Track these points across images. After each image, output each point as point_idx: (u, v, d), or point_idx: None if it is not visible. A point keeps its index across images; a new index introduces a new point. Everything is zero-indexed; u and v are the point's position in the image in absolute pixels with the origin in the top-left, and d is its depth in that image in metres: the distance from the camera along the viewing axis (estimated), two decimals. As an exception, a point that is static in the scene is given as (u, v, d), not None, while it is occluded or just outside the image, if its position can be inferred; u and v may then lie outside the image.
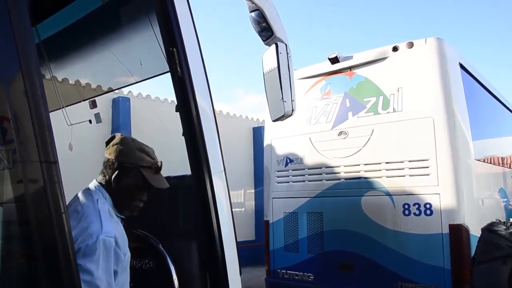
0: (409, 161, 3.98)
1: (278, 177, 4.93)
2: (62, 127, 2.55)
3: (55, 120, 1.68)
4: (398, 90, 4.13)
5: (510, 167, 5.89)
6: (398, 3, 31.16)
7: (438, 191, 3.79)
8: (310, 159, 4.63)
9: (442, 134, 3.82)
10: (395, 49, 4.22)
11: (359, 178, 4.25)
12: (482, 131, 4.87)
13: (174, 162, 2.03)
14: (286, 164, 4.84)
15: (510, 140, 6.26)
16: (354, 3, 32.01)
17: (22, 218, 1.28)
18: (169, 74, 1.77)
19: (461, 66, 4.23)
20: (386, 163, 4.11)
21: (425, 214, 3.83)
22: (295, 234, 4.69)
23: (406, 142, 4.01)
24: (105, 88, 3.24)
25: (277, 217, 4.86)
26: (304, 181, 4.68)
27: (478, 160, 4.35)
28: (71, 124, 2.66)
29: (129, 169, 1.73)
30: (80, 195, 1.71)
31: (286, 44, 1.92)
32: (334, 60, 4.55)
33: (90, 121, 2.73)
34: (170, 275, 1.94)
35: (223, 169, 1.81)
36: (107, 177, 1.74)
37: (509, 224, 3.11)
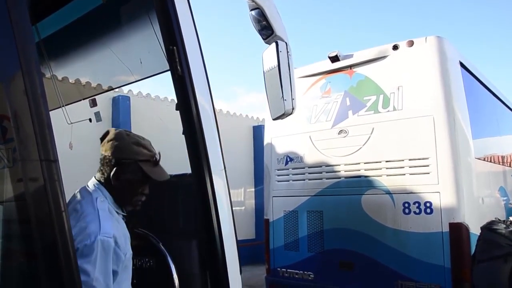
0: (409, 160, 3.97)
1: (278, 175, 4.92)
2: (62, 126, 2.55)
3: (55, 119, 1.68)
4: (398, 88, 4.12)
5: (510, 166, 5.88)
6: (399, 2, 31.14)
7: (438, 189, 3.79)
8: (310, 157, 4.62)
9: (442, 133, 3.81)
10: (395, 47, 4.21)
11: (359, 176, 4.25)
12: (482, 129, 4.87)
13: (174, 160, 2.03)
14: (286, 163, 4.84)
15: (510, 139, 6.25)
16: (354, 2, 31.99)
17: (23, 217, 1.28)
18: (169, 72, 1.77)
19: (461, 64, 4.23)
20: (386, 161, 4.10)
21: (425, 212, 3.83)
22: (295, 232, 4.69)
23: (406, 141, 4.01)
24: (105, 87, 3.24)
25: (277, 215, 4.86)
26: (304, 180, 4.68)
27: (478, 159, 4.35)
28: (71, 123, 2.66)
29: (127, 165, 1.72)
30: (79, 193, 1.70)
31: (286, 43, 1.91)
32: (334, 59, 4.54)
33: (90, 120, 2.73)
34: (170, 274, 1.93)
35: (223, 167, 1.80)
36: (105, 174, 1.72)
37: (508, 222, 3.11)
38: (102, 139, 1.78)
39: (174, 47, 1.70)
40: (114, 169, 1.71)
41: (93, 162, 1.79)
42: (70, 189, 1.40)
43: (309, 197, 4.58)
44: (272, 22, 1.91)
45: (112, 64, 2.66)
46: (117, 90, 7.17)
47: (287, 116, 1.92)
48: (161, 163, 1.79)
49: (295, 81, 1.93)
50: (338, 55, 4.51)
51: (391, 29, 28.64)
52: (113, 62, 2.57)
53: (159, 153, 1.80)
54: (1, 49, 1.19)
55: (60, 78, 3.02)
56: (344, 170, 4.37)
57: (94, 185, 1.73)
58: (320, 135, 4.56)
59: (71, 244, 1.22)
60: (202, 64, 1.79)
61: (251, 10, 1.91)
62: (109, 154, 1.72)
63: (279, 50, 1.87)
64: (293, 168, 4.78)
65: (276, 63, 1.86)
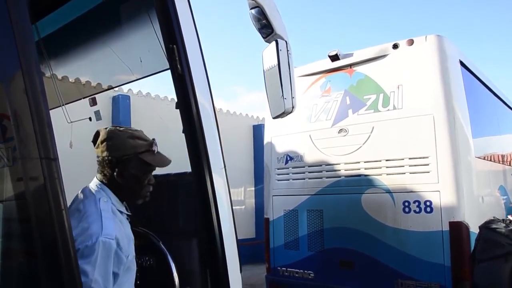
0: (409, 159, 3.97)
1: (278, 174, 4.92)
2: (62, 125, 2.55)
3: (55, 118, 1.68)
4: (398, 87, 4.12)
5: (510, 165, 5.88)
6: (398, 2, 31.12)
7: (438, 188, 3.79)
8: (310, 156, 4.62)
9: (442, 132, 3.81)
10: (395, 46, 4.21)
11: (359, 175, 4.25)
12: (482, 128, 4.87)
13: (174, 159, 2.03)
14: (286, 162, 4.84)
15: (510, 138, 6.25)
16: (354, 2, 31.97)
17: (23, 215, 1.28)
18: (169, 71, 1.77)
19: (461, 63, 4.22)
20: (386, 160, 4.10)
21: (425, 211, 3.83)
22: (295, 231, 4.69)
23: (406, 140, 4.00)
24: (105, 86, 3.24)
25: (277, 214, 4.86)
26: (304, 179, 4.68)
27: (478, 158, 4.35)
28: (71, 122, 2.66)
29: (129, 160, 1.71)
30: (81, 194, 1.69)
31: (286, 41, 1.91)
32: (334, 58, 4.54)
33: (90, 119, 2.72)
34: (170, 273, 1.93)
35: (223, 166, 1.80)
36: (108, 175, 1.71)
37: (508, 221, 3.11)
38: (94, 141, 1.76)
39: (174, 46, 1.69)
40: (117, 168, 1.70)
41: (93, 161, 1.78)
42: (70, 188, 1.39)
43: (309, 196, 4.58)
44: (272, 20, 1.90)
45: (112, 63, 2.65)
46: (117, 89, 7.18)
47: (287, 115, 1.91)
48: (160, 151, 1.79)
49: (295, 80, 1.92)
50: (338, 54, 4.51)
51: (391, 29, 28.64)
52: (113, 61, 2.57)
53: (154, 139, 1.79)
54: (1, 48, 1.19)
55: (60, 77, 3.02)
56: (344, 169, 4.37)
57: (97, 185, 1.71)
58: (320, 134, 4.56)
59: (71, 242, 1.22)
60: (202, 63, 1.78)
61: (251, 8, 1.91)
62: (107, 155, 1.70)
63: (279, 49, 1.87)
64: (293, 167, 4.78)
65: (276, 61, 1.86)
